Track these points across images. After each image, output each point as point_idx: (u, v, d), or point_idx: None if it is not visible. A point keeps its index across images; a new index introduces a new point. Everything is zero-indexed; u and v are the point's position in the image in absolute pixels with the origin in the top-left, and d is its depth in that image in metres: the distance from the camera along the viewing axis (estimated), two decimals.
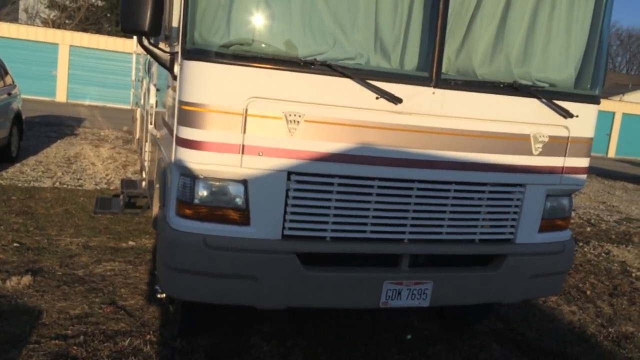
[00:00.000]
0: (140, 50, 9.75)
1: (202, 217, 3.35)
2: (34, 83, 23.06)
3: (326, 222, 3.44)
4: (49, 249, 5.81)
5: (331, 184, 3.40)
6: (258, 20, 3.25)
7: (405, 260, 3.61)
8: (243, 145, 3.25)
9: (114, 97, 24.89)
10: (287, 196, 3.35)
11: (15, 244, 5.82)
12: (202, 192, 3.34)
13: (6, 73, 10.15)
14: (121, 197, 6.79)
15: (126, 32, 3.44)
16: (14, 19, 31.72)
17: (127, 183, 6.79)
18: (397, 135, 3.42)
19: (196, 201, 3.34)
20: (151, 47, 3.46)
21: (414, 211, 3.56)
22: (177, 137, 3.39)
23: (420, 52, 3.48)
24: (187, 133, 3.28)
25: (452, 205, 3.61)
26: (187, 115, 3.28)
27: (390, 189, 3.49)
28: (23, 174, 9.32)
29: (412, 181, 3.51)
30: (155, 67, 4.79)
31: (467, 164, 3.55)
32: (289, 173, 3.32)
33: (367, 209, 3.48)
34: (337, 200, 3.42)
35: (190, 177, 3.34)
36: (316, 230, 3.44)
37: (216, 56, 3.18)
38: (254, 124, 3.23)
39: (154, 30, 3.29)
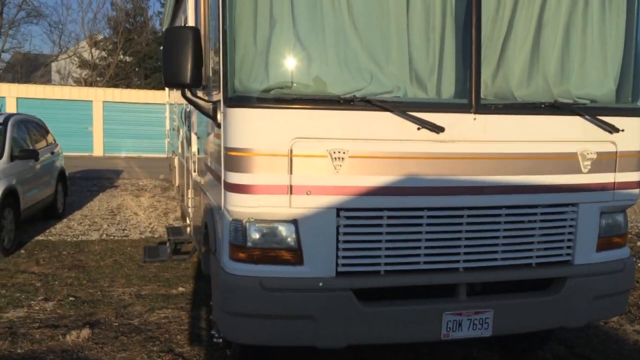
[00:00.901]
0: (173, 100, 10.07)
1: (256, 259, 3.39)
2: (72, 140, 23.78)
3: (379, 256, 3.44)
4: (103, 300, 5.93)
5: (380, 217, 3.41)
6: (295, 63, 3.34)
7: (463, 289, 3.57)
8: (291, 186, 3.30)
9: (148, 147, 25.49)
10: (338, 233, 3.37)
11: (70, 298, 5.96)
12: (254, 235, 3.38)
13: (47, 132, 10.55)
14: (167, 244, 6.90)
15: (169, 86, 3.58)
16: (47, 80, 33.10)
17: (172, 230, 6.92)
18: (442, 163, 3.42)
19: (249, 244, 3.38)
20: (194, 98, 3.59)
21: (467, 239, 3.53)
22: (225, 183, 3.46)
23: (457, 80, 3.51)
24: (235, 178, 3.36)
25: (505, 230, 3.57)
26: (234, 160, 3.36)
27: (440, 218, 3.48)
28: (71, 228, 9.59)
29: (462, 209, 3.49)
30: (195, 116, 4.93)
31: (516, 187, 3.52)
32: (338, 209, 3.35)
33: (419, 240, 3.47)
34: (387, 233, 3.43)
35: (241, 221, 3.40)
36: (370, 264, 3.44)
37: (258, 101, 3.27)
38: (300, 164, 3.29)
39: (195, 82, 3.42)
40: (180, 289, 6.36)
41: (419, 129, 3.37)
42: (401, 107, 3.33)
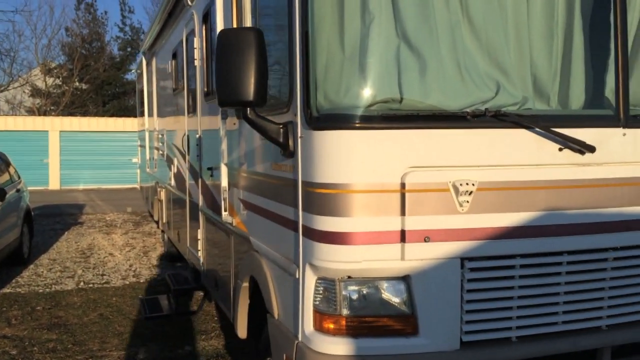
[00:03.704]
0: (158, 126, 9.08)
1: (353, 331, 2.54)
2: (26, 174, 21.91)
3: (510, 318, 2.65)
4: None
5: (512, 266, 2.62)
6: (403, 70, 2.55)
7: (607, 353, 2.80)
8: (404, 231, 2.48)
9: (109, 178, 24.15)
10: (462, 289, 2.56)
11: None
12: (352, 298, 2.54)
13: (9, 165, 9.33)
14: (168, 294, 5.90)
15: (227, 106, 2.74)
16: None
17: (176, 278, 5.89)
18: (588, 193, 2.68)
19: (345, 311, 2.53)
20: (259, 120, 2.74)
21: (611, 288, 2.78)
22: (306, 229, 2.62)
23: (595, 85, 2.81)
24: (326, 223, 2.52)
25: None
26: (324, 200, 2.52)
27: (582, 263, 2.72)
28: (40, 276, 8.36)
29: (607, 250, 2.75)
30: (226, 142, 4.05)
31: None
32: (462, 259, 2.55)
33: (557, 294, 2.70)
34: (520, 286, 2.65)
35: (332, 280, 2.55)
36: (499, 330, 2.63)
37: (361, 121, 2.46)
38: (416, 201, 2.48)
39: (261, 99, 2.59)
40: (187, 347, 5.37)
41: (560, 149, 2.62)
42: (542, 123, 2.58)
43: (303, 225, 2.65)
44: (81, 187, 24.19)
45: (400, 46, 2.54)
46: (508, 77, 2.66)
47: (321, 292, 2.59)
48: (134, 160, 25.73)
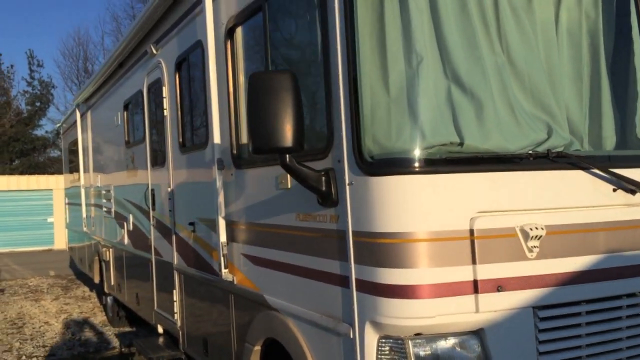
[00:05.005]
0: (99, 182, 8.46)
1: None
2: None
3: None
4: None
5: (578, 314, 2.51)
6: (458, 112, 2.45)
7: None
8: (476, 281, 2.31)
9: (22, 240, 22.39)
10: (536, 340, 2.40)
11: None
12: (424, 357, 2.31)
13: None
14: None
15: (262, 153, 2.49)
16: None
17: (147, 345, 5.30)
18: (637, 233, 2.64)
19: None
20: (298, 167, 2.53)
21: None
22: (363, 283, 2.42)
23: (628, 127, 2.86)
24: (389, 276, 2.31)
25: None
26: (384, 251, 2.32)
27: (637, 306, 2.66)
28: None
29: None
30: (222, 195, 3.73)
31: None
32: (534, 308, 2.41)
33: (619, 339, 2.60)
34: (587, 334, 2.53)
35: (400, 339, 2.32)
36: None
37: (424, 165, 2.32)
38: (486, 248, 2.33)
39: (299, 146, 2.40)
40: None
41: (615, 190, 2.58)
42: (598, 164, 2.55)
43: (357, 279, 2.42)
44: None
45: (451, 87, 2.45)
46: (554, 119, 2.63)
47: (387, 352, 2.34)
48: (50, 219, 24.16)
